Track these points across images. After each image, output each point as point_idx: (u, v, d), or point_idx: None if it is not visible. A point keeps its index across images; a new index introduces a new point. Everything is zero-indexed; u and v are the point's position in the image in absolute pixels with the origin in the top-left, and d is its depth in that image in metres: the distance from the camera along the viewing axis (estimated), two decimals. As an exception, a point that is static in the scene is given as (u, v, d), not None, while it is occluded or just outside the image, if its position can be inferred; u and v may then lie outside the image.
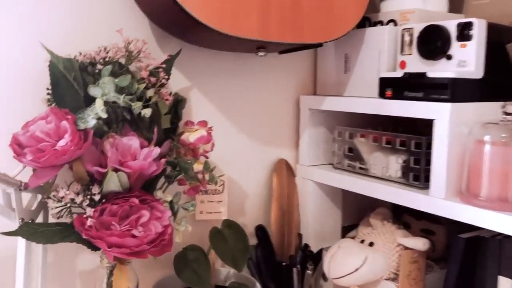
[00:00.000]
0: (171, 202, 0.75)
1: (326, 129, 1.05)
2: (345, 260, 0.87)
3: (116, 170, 0.69)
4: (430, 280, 0.91)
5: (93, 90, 0.69)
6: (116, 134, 0.75)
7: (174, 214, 0.75)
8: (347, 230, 1.13)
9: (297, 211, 1.05)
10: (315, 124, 1.04)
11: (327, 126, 1.05)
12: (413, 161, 0.84)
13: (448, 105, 0.75)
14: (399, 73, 0.84)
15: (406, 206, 1.06)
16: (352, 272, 0.86)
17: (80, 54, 0.75)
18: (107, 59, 0.76)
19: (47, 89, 0.76)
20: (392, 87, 0.85)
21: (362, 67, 0.95)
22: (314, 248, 1.03)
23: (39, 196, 0.74)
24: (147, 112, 0.70)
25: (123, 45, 0.78)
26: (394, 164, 0.88)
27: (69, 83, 0.74)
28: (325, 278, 1.02)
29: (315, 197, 1.04)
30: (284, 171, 1.04)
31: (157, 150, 0.73)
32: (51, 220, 0.76)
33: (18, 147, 0.67)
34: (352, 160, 0.96)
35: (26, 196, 0.72)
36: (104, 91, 0.68)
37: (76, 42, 0.81)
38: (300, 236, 1.05)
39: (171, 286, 0.91)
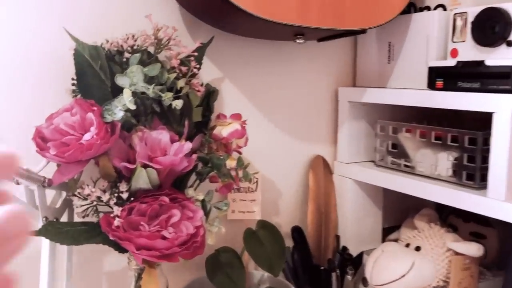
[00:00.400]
0: (203, 201, 0.69)
1: (366, 124, 0.98)
2: (390, 266, 0.80)
3: (145, 166, 0.64)
4: (482, 289, 0.84)
5: (120, 80, 0.64)
6: (144, 127, 0.70)
7: (206, 214, 0.70)
8: (387, 232, 1.05)
9: (335, 211, 0.98)
10: (355, 118, 0.97)
11: (367, 120, 0.98)
12: (467, 159, 0.76)
13: (510, 97, 0.67)
14: (451, 62, 0.76)
15: (453, 207, 0.99)
16: (398, 279, 0.79)
17: (107, 41, 0.71)
18: (135, 47, 0.71)
19: (72, 79, 0.72)
20: (444, 77, 0.77)
21: (408, 56, 0.87)
22: (353, 251, 0.96)
23: (64, 193, 0.70)
24: (178, 104, 0.64)
25: (151, 32, 0.73)
26: (444, 161, 0.80)
27: (95, 73, 0.69)
28: (365, 283, 0.95)
29: (354, 196, 0.97)
30: (321, 169, 0.98)
31: (188, 145, 0.67)
32: (76, 219, 0.71)
33: (41, 141, 0.62)
34: (396, 157, 0.89)
35: (49, 194, 0.68)
36: (132, 80, 0.63)
37: (101, 29, 0.76)
38: (337, 238, 0.99)
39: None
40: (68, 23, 0.74)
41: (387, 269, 0.80)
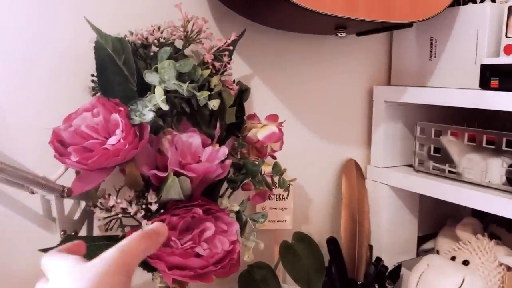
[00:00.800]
0: (238, 213, 0.62)
1: (403, 125, 0.91)
2: (438, 282, 0.73)
3: (176, 173, 0.56)
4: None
5: (149, 77, 0.57)
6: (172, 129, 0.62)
7: (242, 227, 0.63)
8: (421, 241, 0.99)
9: (368, 219, 0.91)
10: (391, 119, 0.90)
11: (404, 122, 0.91)
12: (525, 165, 0.69)
13: None
14: (509, 59, 0.69)
15: (496, 216, 0.92)
16: (446, 297, 0.72)
17: (131, 33, 0.63)
18: (161, 40, 0.64)
19: (92, 75, 0.64)
20: (500, 76, 0.70)
21: (453, 52, 0.80)
22: (387, 262, 0.89)
23: (83, 204, 0.62)
24: (215, 104, 0.57)
25: (179, 23, 0.65)
26: (497, 168, 0.73)
27: (117, 69, 0.62)
28: (401, 298, 0.88)
29: (389, 203, 0.90)
30: (354, 173, 0.91)
31: (224, 150, 0.60)
32: (96, 232, 0.64)
33: (60, 145, 0.55)
34: (439, 162, 0.82)
35: (66, 204, 0.60)
36: (163, 77, 0.55)
37: (122, 21, 0.68)
38: (370, 248, 0.92)
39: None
40: (86, 12, 0.66)
41: (435, 285, 0.73)
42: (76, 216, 0.61)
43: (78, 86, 0.67)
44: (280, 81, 0.84)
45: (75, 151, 0.53)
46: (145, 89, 0.61)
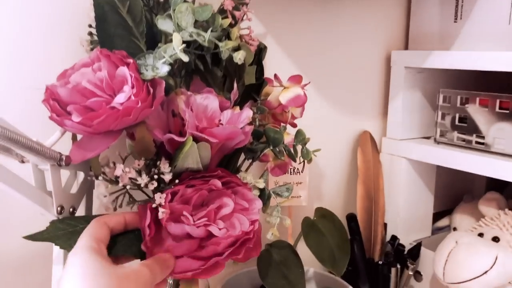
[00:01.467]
0: (262, 189, 0.55)
1: (421, 95, 0.85)
2: (470, 261, 0.67)
3: (194, 139, 0.48)
4: None
5: (162, 24, 0.48)
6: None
7: (265, 202, 0.55)
8: (435, 218, 0.93)
9: (383, 196, 0.85)
10: (410, 88, 0.83)
11: (423, 91, 0.85)
12: None
13: None
14: (554, 16, 0.63)
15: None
16: (479, 276, 0.67)
17: (136, -23, 0.54)
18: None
19: (89, 26, 0.55)
20: (542, 35, 0.64)
21: (483, 12, 0.74)
22: (403, 241, 0.83)
23: (81, 175, 0.53)
24: (240, 57, 0.48)
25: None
26: (533, 137, 0.67)
27: (119, 19, 0.53)
28: (418, 278, 0.83)
29: (406, 178, 0.84)
30: (369, 147, 0.84)
31: (248, 113, 0.52)
32: (96, 209, 0.55)
33: (57, 105, 0.46)
34: (465, 132, 0.76)
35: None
36: (180, 23, 0.47)
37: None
38: (385, 226, 0.86)
39: (242, 286, 0.72)
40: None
41: (466, 264, 0.67)
42: (74, 189, 0.53)
43: (71, 41, 0.57)
44: (292, 42, 0.76)
45: (77, 111, 0.44)
46: (153, 43, 0.53)
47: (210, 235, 0.48)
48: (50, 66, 0.57)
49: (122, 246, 0.47)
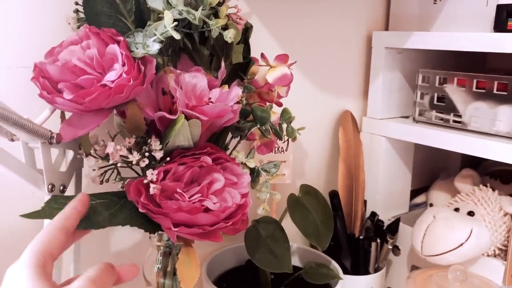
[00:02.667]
0: (253, 169, 0.56)
1: (401, 75, 0.87)
2: (447, 234, 0.70)
3: (185, 117, 0.49)
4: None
5: (152, 1, 0.48)
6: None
7: (254, 179, 0.56)
8: (412, 195, 0.97)
9: (363, 173, 0.87)
10: (390, 68, 0.85)
11: (402, 71, 0.87)
12: (540, 112, 0.67)
13: None
14: (530, -2, 0.65)
15: (486, 167, 0.91)
16: (454, 249, 0.70)
17: (123, -46, 0.54)
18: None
19: (76, 3, 0.55)
20: (517, 17, 0.66)
21: (462, -6, 0.76)
22: (382, 217, 0.86)
23: (70, 153, 0.53)
24: (231, 35, 0.49)
25: None
26: (507, 116, 0.70)
27: (106, -4, 0.53)
28: (396, 252, 0.86)
29: (386, 156, 0.87)
30: (350, 126, 0.86)
31: (237, 91, 0.53)
32: (85, 186, 0.56)
33: (47, 82, 0.46)
34: (443, 111, 0.79)
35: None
36: (171, 1, 0.47)
37: None
38: (365, 203, 0.88)
39: (227, 262, 0.74)
40: None
41: (443, 237, 0.70)
42: (63, 167, 0.53)
43: (59, 20, 0.57)
44: (277, 24, 0.76)
45: (69, 89, 0.45)
46: (142, 22, 0.53)
47: (205, 210, 0.49)
48: (34, 44, 0.57)
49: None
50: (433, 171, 0.99)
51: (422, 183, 1.00)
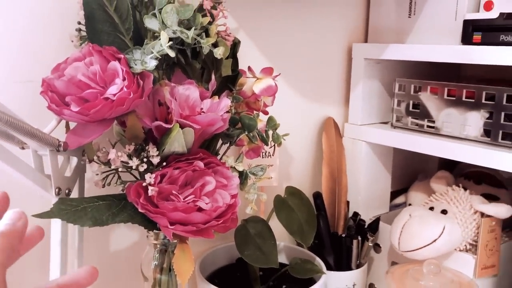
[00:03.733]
0: (241, 172, 0.61)
1: (380, 84, 0.93)
2: (421, 231, 0.76)
3: (180, 126, 0.54)
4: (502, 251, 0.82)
5: (149, 22, 0.53)
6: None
7: (243, 181, 0.62)
8: (392, 195, 1.03)
9: (345, 176, 0.93)
10: (369, 77, 0.91)
11: (381, 80, 0.93)
12: (504, 117, 0.73)
13: None
14: (492, 14, 0.72)
15: (463, 170, 0.97)
16: (428, 244, 0.76)
17: (121, -22, 0.59)
18: (152, -14, 0.60)
19: (79, 23, 0.60)
20: (482, 31, 0.73)
21: (434, 9, 0.82)
22: (364, 217, 0.92)
23: (74, 160, 0.58)
24: (220, 52, 0.55)
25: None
26: (475, 121, 0.76)
27: (105, 16, 0.58)
28: (377, 249, 0.92)
29: (367, 160, 0.93)
30: (333, 132, 0.92)
31: (227, 102, 0.58)
32: (88, 189, 0.61)
33: (55, 96, 0.51)
34: (418, 117, 0.85)
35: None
36: (166, 22, 0.52)
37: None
38: (348, 204, 0.94)
39: (219, 261, 0.79)
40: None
41: (418, 234, 0.76)
42: (67, 172, 0.58)
43: (63, 37, 0.62)
44: (263, 38, 0.82)
45: (75, 102, 0.50)
46: (140, 39, 0.58)
47: (198, 209, 0.54)
48: (39, 60, 0.62)
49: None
50: (412, 173, 1.05)
51: (402, 185, 1.06)
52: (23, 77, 0.61)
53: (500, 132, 0.73)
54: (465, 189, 0.90)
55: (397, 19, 0.88)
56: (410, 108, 0.85)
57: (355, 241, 0.83)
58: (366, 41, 0.95)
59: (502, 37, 0.70)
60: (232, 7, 0.76)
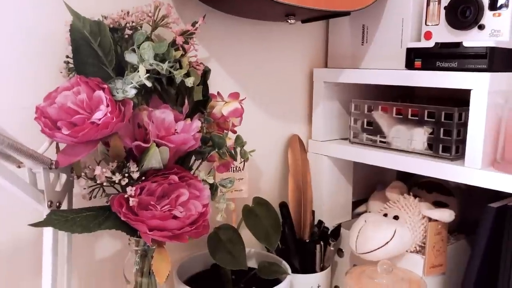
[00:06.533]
0: (212, 184, 0.70)
1: (339, 104, 1.03)
2: (375, 234, 0.86)
3: (157, 145, 0.63)
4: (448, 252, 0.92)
5: (129, 57, 0.62)
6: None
7: (213, 192, 0.70)
8: (355, 205, 1.12)
9: (310, 188, 1.02)
10: (329, 98, 1.01)
11: (340, 101, 1.03)
12: (443, 133, 0.83)
13: (486, 75, 0.74)
14: (430, 43, 0.82)
15: (418, 180, 1.07)
16: (382, 246, 0.85)
17: (105, 17, 0.68)
18: (132, 24, 0.69)
19: (67, 56, 0.68)
20: (422, 58, 0.83)
21: (382, 38, 0.93)
22: (328, 224, 1.01)
23: (64, 176, 0.66)
24: (190, 81, 0.64)
25: (147, 9, 0.71)
26: (420, 136, 0.87)
27: (90, 50, 0.67)
28: (340, 254, 1.01)
29: (329, 172, 1.02)
30: (298, 147, 1.01)
31: (198, 124, 0.67)
32: (76, 202, 0.68)
33: (48, 121, 0.59)
34: (371, 133, 0.95)
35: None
36: (143, 57, 0.61)
37: (92, 5, 0.72)
38: (313, 213, 1.03)
39: (195, 267, 0.86)
40: (56, -3, 0.70)
41: (372, 237, 0.86)
42: (57, 187, 0.66)
43: (48, 69, 0.70)
44: (231, 63, 0.91)
45: (65, 126, 0.58)
46: (121, 70, 0.67)
47: (174, 217, 0.63)
48: (31, 88, 0.70)
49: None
50: (372, 184, 1.15)
51: (364, 195, 1.15)
52: (19, 104, 0.69)
53: (440, 145, 0.84)
54: (419, 197, 1.00)
55: (352, 46, 0.98)
56: (365, 126, 0.95)
57: (318, 246, 0.92)
58: (326, 66, 1.06)
59: (438, 63, 0.81)
60: (202, 37, 0.86)
